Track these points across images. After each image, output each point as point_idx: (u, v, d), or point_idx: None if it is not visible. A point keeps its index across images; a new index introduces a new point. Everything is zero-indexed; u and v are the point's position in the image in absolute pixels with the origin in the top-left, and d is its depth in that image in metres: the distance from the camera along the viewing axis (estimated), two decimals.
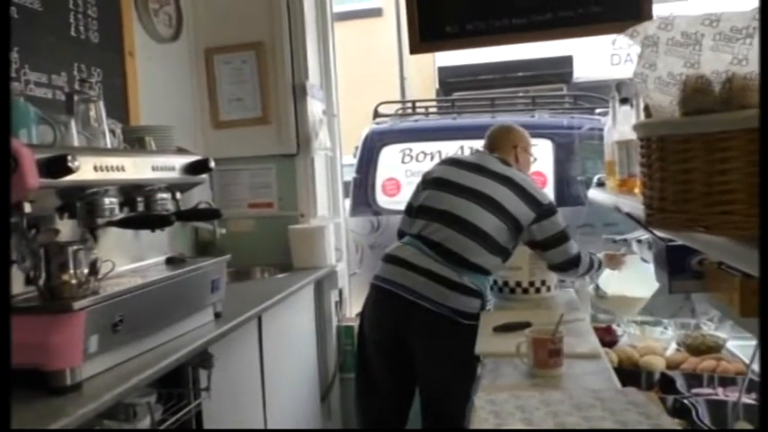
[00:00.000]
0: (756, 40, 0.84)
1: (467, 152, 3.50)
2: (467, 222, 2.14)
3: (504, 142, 2.41)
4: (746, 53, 0.84)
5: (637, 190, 1.58)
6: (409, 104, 4.45)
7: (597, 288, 2.46)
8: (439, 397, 2.17)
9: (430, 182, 2.32)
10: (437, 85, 8.37)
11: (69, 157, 1.33)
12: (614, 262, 2.40)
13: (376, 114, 4.03)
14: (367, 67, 7.52)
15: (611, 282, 2.43)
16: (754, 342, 1.56)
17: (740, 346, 2.14)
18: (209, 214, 2.03)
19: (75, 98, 1.66)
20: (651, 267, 2.27)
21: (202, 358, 1.75)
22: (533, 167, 3.43)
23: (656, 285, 2.27)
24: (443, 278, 2.11)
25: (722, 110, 0.84)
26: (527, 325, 1.73)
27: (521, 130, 2.48)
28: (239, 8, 2.94)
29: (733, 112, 0.82)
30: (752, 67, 0.84)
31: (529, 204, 2.18)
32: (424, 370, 2.18)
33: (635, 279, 2.36)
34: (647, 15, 2.48)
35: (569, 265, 2.24)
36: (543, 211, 2.20)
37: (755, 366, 1.71)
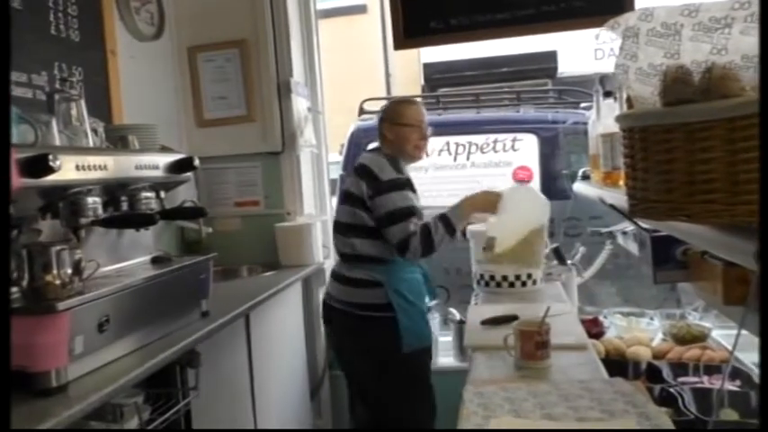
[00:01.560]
0: (735, 30, 0.84)
1: (452, 147, 3.52)
2: (337, 223, 2.30)
3: (377, 129, 2.35)
4: (725, 43, 0.85)
5: (621, 182, 1.59)
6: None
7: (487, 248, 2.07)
8: (364, 390, 2.29)
9: None
10: (422, 82, 8.37)
11: (50, 157, 1.32)
12: (486, 204, 2.14)
13: (361, 111, 4.02)
14: (352, 63, 7.51)
15: (498, 234, 2.05)
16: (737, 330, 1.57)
17: (725, 335, 2.17)
18: (195, 213, 2.02)
19: (56, 97, 1.65)
20: (531, 190, 2.17)
21: (190, 357, 1.74)
22: (519, 161, 3.48)
23: (546, 208, 2.09)
24: (341, 276, 2.25)
25: (702, 100, 0.84)
26: (514, 318, 1.74)
27: (387, 104, 2.38)
28: (222, 6, 2.92)
29: (713, 101, 0.83)
30: (731, 56, 0.85)
31: (368, 181, 2.16)
32: (348, 367, 2.32)
33: (519, 216, 2.06)
34: (630, 9, 2.49)
35: (399, 248, 2.11)
36: (380, 186, 2.13)
37: (738, 354, 1.74)
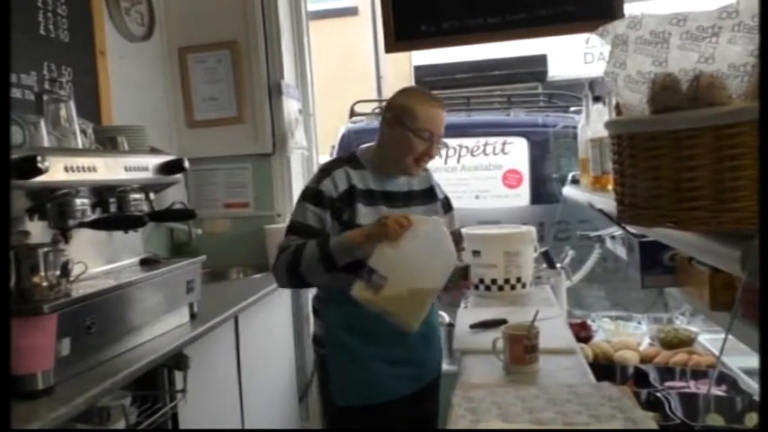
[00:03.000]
0: (722, 39, 0.85)
1: (443, 150, 3.52)
2: None
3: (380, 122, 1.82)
4: (712, 52, 0.86)
5: (610, 187, 1.60)
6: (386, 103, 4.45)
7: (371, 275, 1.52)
8: None
9: None
10: (413, 84, 8.38)
11: (39, 158, 1.31)
12: (387, 231, 1.52)
13: (352, 113, 4.03)
14: (343, 65, 7.51)
15: (393, 268, 1.52)
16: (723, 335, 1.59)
17: (711, 340, 2.19)
18: (184, 215, 2.01)
19: (45, 98, 1.63)
20: (444, 232, 1.59)
21: (178, 360, 1.74)
22: (509, 164, 3.50)
23: (452, 261, 1.62)
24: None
25: (689, 107, 0.85)
26: (503, 322, 1.75)
27: (399, 94, 1.76)
28: (213, 7, 2.91)
29: (700, 109, 0.84)
30: (718, 65, 0.85)
31: None
32: None
33: (424, 254, 1.56)
34: (620, 14, 2.51)
35: None
36: None
37: (725, 358, 1.75)
